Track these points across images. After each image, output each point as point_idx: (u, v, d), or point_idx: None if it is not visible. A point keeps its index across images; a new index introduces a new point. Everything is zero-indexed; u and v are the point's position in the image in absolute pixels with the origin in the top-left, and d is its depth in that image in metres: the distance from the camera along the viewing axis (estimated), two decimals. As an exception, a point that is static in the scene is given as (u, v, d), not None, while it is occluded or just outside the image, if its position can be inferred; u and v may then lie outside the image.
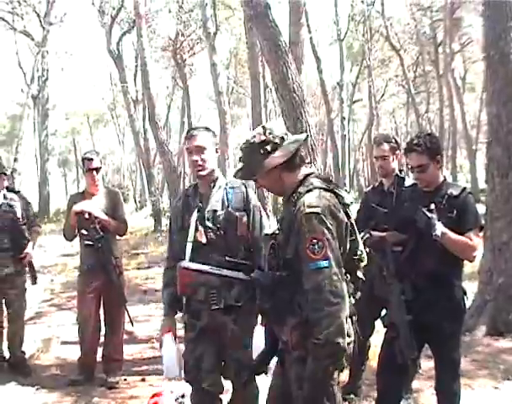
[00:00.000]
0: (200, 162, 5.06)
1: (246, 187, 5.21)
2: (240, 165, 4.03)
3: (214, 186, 5.17)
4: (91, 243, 7.49)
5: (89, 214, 7.47)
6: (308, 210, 3.56)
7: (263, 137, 3.84)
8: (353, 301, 3.89)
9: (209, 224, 5.03)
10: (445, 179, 5.36)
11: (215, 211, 5.07)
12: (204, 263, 4.78)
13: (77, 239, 7.84)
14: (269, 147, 3.81)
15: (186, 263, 4.83)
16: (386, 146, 6.41)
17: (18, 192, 8.57)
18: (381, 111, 57.27)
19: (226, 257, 4.71)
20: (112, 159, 73.51)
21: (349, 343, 3.65)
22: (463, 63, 49.53)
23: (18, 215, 8.24)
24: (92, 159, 7.68)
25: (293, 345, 3.77)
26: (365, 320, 6.52)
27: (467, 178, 42.51)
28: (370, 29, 42.18)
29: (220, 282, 4.70)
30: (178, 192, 19.65)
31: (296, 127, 8.10)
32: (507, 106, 9.03)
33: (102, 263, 7.55)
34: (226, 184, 5.20)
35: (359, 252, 3.84)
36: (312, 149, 8.27)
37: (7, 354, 8.42)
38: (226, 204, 5.10)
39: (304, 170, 3.92)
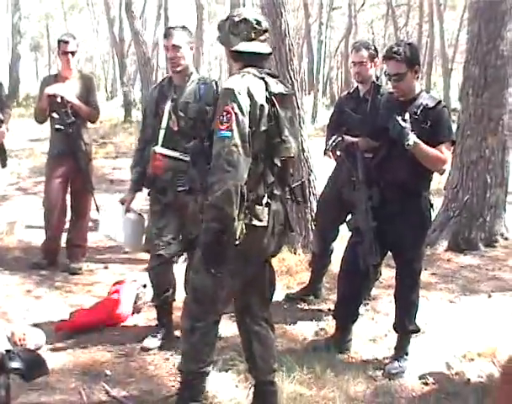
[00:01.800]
0: (175, 60, 5.55)
1: (216, 83, 5.73)
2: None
3: (188, 80, 5.67)
4: (62, 128, 7.39)
5: (62, 97, 7.36)
6: (226, 86, 3.89)
7: (236, 19, 4.10)
8: (276, 191, 4.10)
9: (181, 114, 5.55)
10: (421, 90, 5.35)
11: (187, 103, 5.56)
12: (173, 149, 5.44)
13: (48, 123, 7.75)
14: (234, 31, 4.10)
15: (159, 149, 5.49)
16: (364, 52, 6.36)
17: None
18: (360, 20, 56.77)
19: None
20: (85, 47, 72.49)
21: (258, 226, 3.94)
22: (447, -21, 49.06)
23: (-11, 95, 8.05)
24: (68, 42, 7.55)
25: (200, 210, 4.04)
26: (330, 223, 6.64)
27: (440, 96, 42.57)
28: None
29: (186, 167, 5.01)
30: (150, 83, 19.42)
31: (276, 25, 7.98)
32: (489, 26, 9.00)
33: (72, 148, 7.51)
34: (199, 80, 5.69)
35: (277, 140, 3.97)
36: (289, 49, 8.19)
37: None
38: (198, 97, 5.57)
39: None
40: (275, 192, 4.05)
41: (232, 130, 3.71)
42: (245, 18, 4.06)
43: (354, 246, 5.35)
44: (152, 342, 5.77)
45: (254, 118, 3.83)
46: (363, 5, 53.09)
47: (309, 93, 33.16)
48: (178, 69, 5.59)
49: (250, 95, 3.82)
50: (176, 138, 5.53)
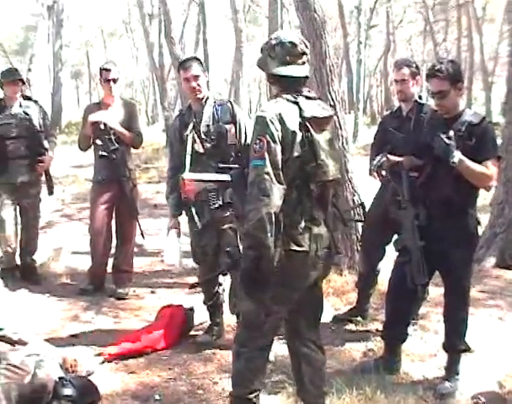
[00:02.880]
0: (197, 88, 6.05)
1: (231, 103, 6.26)
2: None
3: (205, 104, 6.12)
4: (105, 154, 7.48)
5: (105, 124, 7.47)
6: (259, 114, 3.89)
7: (273, 42, 4.11)
8: (317, 215, 4.07)
9: (204, 136, 6.01)
10: (465, 107, 5.32)
11: (207, 125, 6.04)
12: (202, 171, 5.72)
13: (91, 150, 7.87)
14: (272, 54, 4.10)
15: (186, 175, 5.83)
16: (406, 70, 6.34)
17: (36, 101, 8.53)
18: (398, 38, 56.65)
19: (220, 164, 5.17)
20: (125, 73, 73.12)
21: (296, 251, 3.93)
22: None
23: (35, 123, 8.18)
24: (110, 69, 7.66)
25: None
26: (377, 243, 6.60)
27: (482, 111, 42.29)
28: (391, -49, 41.51)
29: (216, 185, 5.51)
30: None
31: (316, 47, 7.98)
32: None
33: (116, 174, 7.58)
34: (215, 102, 6.17)
35: (312, 165, 3.94)
36: (330, 71, 8.18)
37: (18, 262, 8.48)
38: (217, 118, 6.05)
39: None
40: (316, 216, 4.04)
41: (264, 159, 3.74)
42: (281, 41, 4.07)
43: (401, 265, 5.30)
44: (206, 338, 6.39)
45: (286, 145, 3.83)
46: (401, 22, 53.01)
47: (349, 113, 33.09)
48: (201, 96, 6.08)
49: (282, 122, 3.82)
50: (203, 160, 5.97)
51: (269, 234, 3.67)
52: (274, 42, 4.09)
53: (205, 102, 6.11)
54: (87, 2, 58.06)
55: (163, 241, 6.44)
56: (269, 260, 3.74)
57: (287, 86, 4.07)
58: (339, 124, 7.85)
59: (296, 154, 3.86)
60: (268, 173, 3.71)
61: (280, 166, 3.77)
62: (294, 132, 3.85)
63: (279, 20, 25.35)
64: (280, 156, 3.78)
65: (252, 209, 3.70)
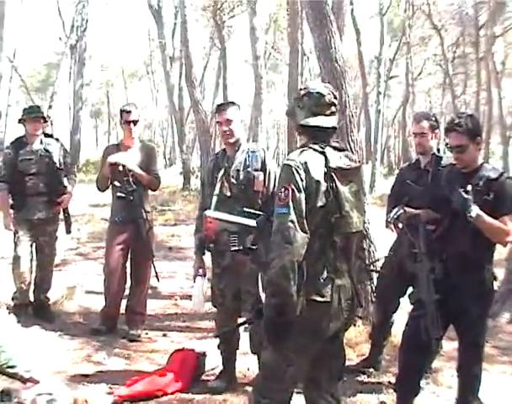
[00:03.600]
0: (228, 132, 6.15)
1: (264, 151, 6.33)
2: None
3: (238, 150, 6.21)
4: (123, 195, 7.52)
5: (123, 166, 7.52)
6: (285, 162, 3.93)
7: (302, 92, 4.18)
8: (340, 266, 4.05)
9: (233, 180, 6.08)
10: (483, 162, 5.33)
11: (238, 170, 6.12)
12: (228, 213, 5.74)
13: (109, 190, 7.92)
14: (300, 104, 4.18)
15: (209, 212, 5.88)
16: (425, 124, 6.37)
17: (57, 139, 8.60)
18: (417, 89, 56.81)
19: (245, 209, 5.40)
20: (144, 114, 73.56)
21: (318, 301, 3.92)
22: (504, 47, 48.75)
23: (55, 160, 8.27)
24: (130, 111, 7.74)
25: None
26: (391, 295, 6.58)
27: (499, 165, 42.14)
28: (412, 5, 41.54)
29: (238, 228, 5.55)
30: (209, 151, 19.61)
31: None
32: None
33: (133, 216, 7.61)
34: (248, 149, 6.25)
35: (337, 216, 3.94)
36: (350, 121, 8.22)
37: (32, 299, 8.48)
38: (247, 164, 6.11)
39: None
40: (339, 267, 4.03)
41: (288, 207, 3.76)
42: (309, 92, 4.12)
43: (416, 318, 5.26)
44: (218, 383, 6.34)
45: (311, 194, 3.85)
46: (420, 74, 53.24)
47: (367, 162, 33.14)
48: (232, 140, 6.19)
49: (307, 171, 3.85)
50: (229, 203, 5.99)
51: (291, 282, 3.68)
52: (302, 92, 4.15)
53: (239, 147, 6.21)
54: (109, 42, 58.58)
55: (192, 286, 6.48)
56: (291, 308, 3.74)
57: (315, 136, 4.11)
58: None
59: (320, 204, 3.87)
60: (292, 221, 3.73)
61: (304, 215, 3.79)
62: (318, 182, 3.87)
63: (299, 68, 25.50)
64: (304, 205, 3.81)
65: (275, 257, 3.72)
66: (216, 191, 6.10)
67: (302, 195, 3.81)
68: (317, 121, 4.10)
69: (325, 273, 3.95)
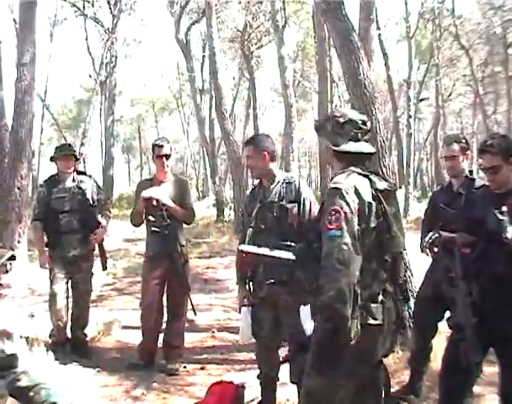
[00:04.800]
0: (254, 167, 6.22)
1: (299, 181, 6.19)
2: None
3: (273, 182, 6.15)
4: (158, 230, 7.56)
5: (157, 200, 7.53)
6: (332, 186, 3.93)
7: (341, 120, 4.23)
8: (391, 289, 4.10)
9: (267, 213, 6.01)
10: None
11: (272, 202, 6.04)
12: (263, 246, 5.61)
13: (144, 225, 7.93)
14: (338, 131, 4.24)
15: (243, 247, 5.89)
16: (455, 147, 6.34)
17: (90, 176, 8.69)
18: (448, 111, 56.68)
19: (280, 241, 5.47)
20: (176, 147, 73.93)
21: (371, 325, 3.89)
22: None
23: (88, 197, 8.37)
24: (162, 146, 7.76)
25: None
26: (429, 320, 6.53)
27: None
28: (439, 27, 41.50)
29: (274, 261, 5.41)
30: (241, 182, 19.69)
31: (366, 123, 8.04)
32: None
33: (168, 250, 7.61)
34: (284, 180, 6.16)
35: (387, 236, 3.99)
36: (381, 146, 8.21)
37: (69, 335, 8.51)
38: (282, 197, 6.02)
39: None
40: (387, 289, 4.05)
41: (341, 229, 3.75)
42: (350, 119, 4.19)
43: (455, 343, 5.21)
44: None
45: (363, 215, 3.86)
46: (450, 95, 53.03)
47: (400, 187, 33.04)
48: (256, 175, 6.35)
49: (357, 193, 3.87)
50: (264, 236, 5.89)
51: (347, 305, 3.66)
52: (342, 120, 4.20)
53: (274, 179, 6.16)
54: (138, 77, 59.16)
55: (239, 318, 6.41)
56: (346, 332, 3.71)
57: (355, 161, 4.16)
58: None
59: (372, 225, 3.90)
60: (346, 244, 3.72)
61: (357, 236, 3.79)
62: (370, 203, 3.91)
63: (328, 95, 25.54)
64: (357, 227, 3.81)
65: (329, 281, 3.69)
66: (252, 224, 6.08)
67: (355, 217, 3.81)
68: (359, 147, 4.18)
69: (379, 295, 3.98)
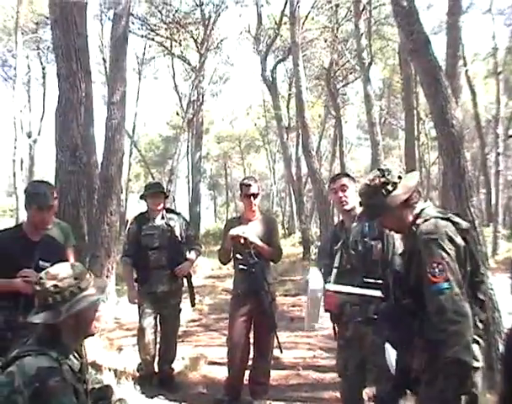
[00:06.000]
0: (343, 198, 6.23)
1: None
2: (362, 208, 4.56)
3: (355, 220, 6.13)
4: (245, 268, 7.60)
5: (245, 239, 7.62)
6: (426, 237, 3.88)
7: (383, 179, 4.23)
8: (481, 326, 4.06)
9: (351, 251, 6.01)
10: None
11: (356, 241, 6.02)
12: (348, 284, 5.64)
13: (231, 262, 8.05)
14: (389, 187, 4.20)
15: (329, 286, 5.83)
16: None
17: (179, 213, 8.88)
18: (538, 147, 55.71)
19: (365, 279, 5.51)
20: (262, 185, 74.23)
21: (477, 368, 3.87)
22: None
23: (177, 234, 8.52)
24: (250, 185, 7.84)
25: (423, 368, 3.93)
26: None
27: None
28: (528, 61, 40.98)
29: (360, 299, 5.48)
30: (327, 220, 19.68)
31: (454, 163, 8.00)
32: None
33: (255, 288, 7.65)
34: (365, 218, 5.89)
35: (479, 275, 4.00)
36: (469, 186, 8.15)
37: (156, 369, 8.66)
38: (365, 234, 5.98)
39: (420, 204, 4.26)
40: (480, 327, 4.04)
41: (449, 280, 3.73)
42: (387, 170, 4.30)
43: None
44: None
45: (460, 260, 3.84)
46: (540, 132, 52.07)
47: (488, 225, 32.48)
48: (347, 207, 6.23)
49: (451, 240, 3.86)
50: (349, 274, 5.88)
51: (472, 355, 3.68)
52: (383, 180, 4.24)
53: (355, 218, 6.14)
54: (225, 115, 59.67)
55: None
56: (471, 382, 3.75)
57: (412, 198, 4.22)
58: (478, 239, 7.74)
59: (469, 268, 3.91)
60: (457, 294, 3.72)
61: (462, 284, 3.79)
62: (464, 247, 3.90)
63: (415, 132, 25.41)
64: (460, 275, 3.80)
65: (451, 335, 3.65)
66: (336, 263, 6.06)
67: (456, 264, 3.80)
68: (408, 182, 4.25)
69: (478, 337, 3.97)
